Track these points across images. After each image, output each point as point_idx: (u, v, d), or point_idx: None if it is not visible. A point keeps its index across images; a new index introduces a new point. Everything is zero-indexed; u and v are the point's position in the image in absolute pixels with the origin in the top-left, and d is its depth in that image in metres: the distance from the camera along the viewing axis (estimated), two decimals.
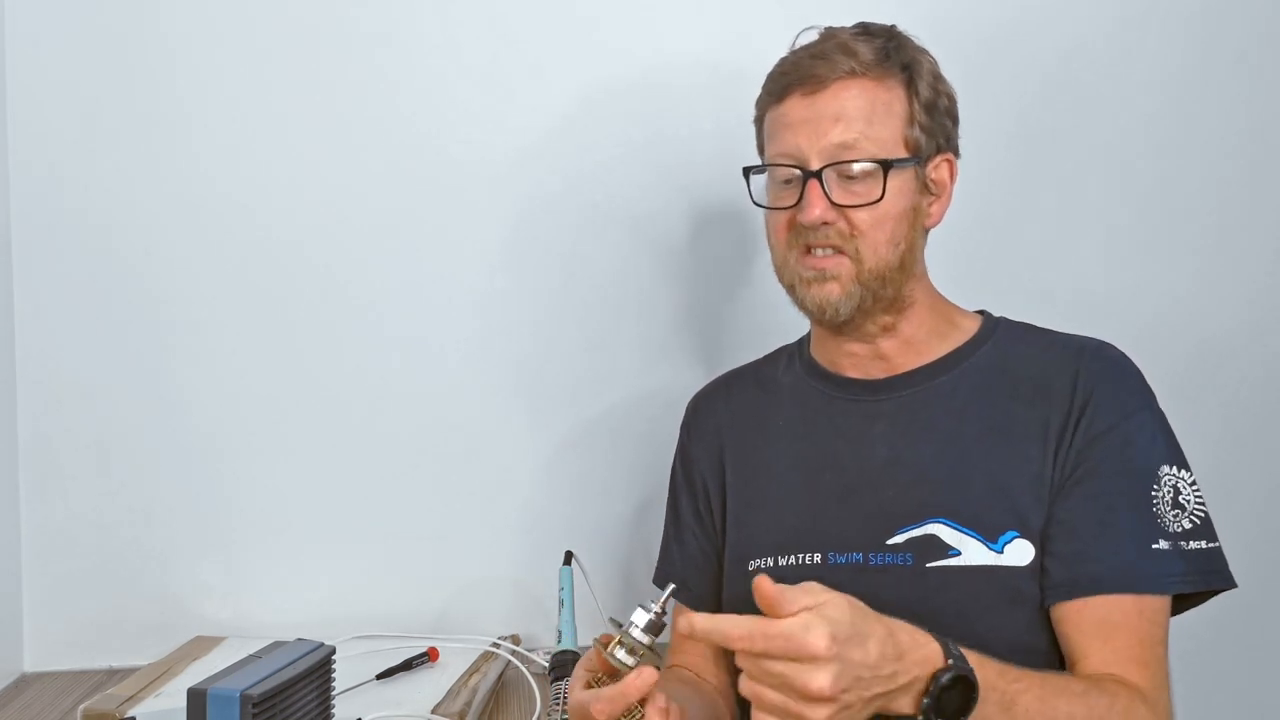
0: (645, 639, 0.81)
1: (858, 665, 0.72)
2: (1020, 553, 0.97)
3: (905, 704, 0.76)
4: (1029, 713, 0.81)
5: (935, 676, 0.76)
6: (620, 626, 0.83)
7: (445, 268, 1.44)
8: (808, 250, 1.02)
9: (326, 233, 1.42)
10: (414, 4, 1.41)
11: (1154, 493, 0.97)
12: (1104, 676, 0.91)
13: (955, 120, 1.07)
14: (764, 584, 0.73)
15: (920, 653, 0.76)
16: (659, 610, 0.81)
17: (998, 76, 1.47)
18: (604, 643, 0.83)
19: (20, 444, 1.39)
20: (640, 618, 0.82)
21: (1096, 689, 0.88)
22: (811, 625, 0.71)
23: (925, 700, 0.75)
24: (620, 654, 0.81)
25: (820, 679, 0.70)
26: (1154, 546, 0.95)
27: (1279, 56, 1.55)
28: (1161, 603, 0.95)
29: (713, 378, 1.24)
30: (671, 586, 0.84)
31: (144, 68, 1.38)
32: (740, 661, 0.74)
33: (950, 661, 0.76)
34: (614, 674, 0.83)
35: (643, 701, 0.82)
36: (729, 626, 0.73)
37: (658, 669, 0.81)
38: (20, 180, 1.37)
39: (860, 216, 1.00)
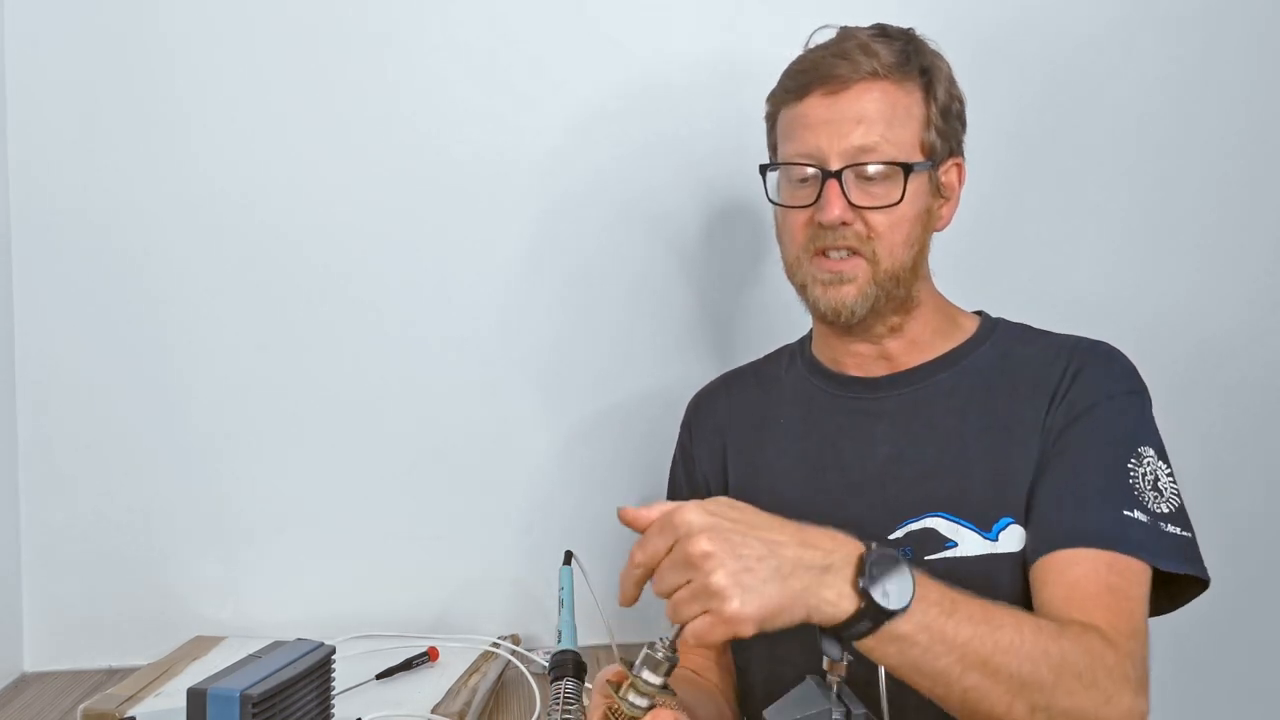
0: (657, 680, 0.77)
1: (746, 525, 0.73)
2: (1014, 538, 0.97)
3: (836, 588, 0.73)
4: (972, 618, 0.78)
5: (864, 556, 0.74)
6: (630, 666, 0.78)
7: (445, 269, 1.44)
8: (822, 254, 1.02)
9: (326, 233, 1.42)
10: (416, 4, 1.41)
11: (1131, 466, 0.96)
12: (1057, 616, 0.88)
13: (964, 124, 1.08)
14: (624, 510, 0.76)
15: (836, 539, 0.75)
16: (669, 649, 0.76)
17: (996, 77, 1.47)
18: (615, 683, 0.79)
19: (20, 444, 1.39)
20: (649, 660, 0.76)
21: (1042, 617, 0.86)
22: (682, 506, 0.73)
23: (861, 581, 0.73)
24: (632, 697, 0.77)
25: (700, 542, 0.71)
26: (1127, 513, 0.93)
27: (1278, 56, 1.55)
28: (1137, 565, 0.91)
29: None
30: (679, 626, 0.75)
31: (143, 68, 1.38)
32: (655, 588, 0.74)
33: (874, 545, 0.75)
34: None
35: None
36: (633, 550, 0.74)
37: (674, 707, 0.77)
38: (20, 180, 1.37)
39: (878, 218, 1.00)
